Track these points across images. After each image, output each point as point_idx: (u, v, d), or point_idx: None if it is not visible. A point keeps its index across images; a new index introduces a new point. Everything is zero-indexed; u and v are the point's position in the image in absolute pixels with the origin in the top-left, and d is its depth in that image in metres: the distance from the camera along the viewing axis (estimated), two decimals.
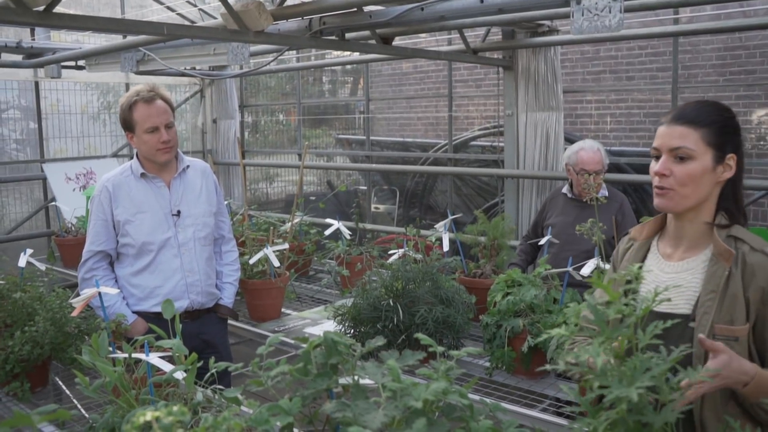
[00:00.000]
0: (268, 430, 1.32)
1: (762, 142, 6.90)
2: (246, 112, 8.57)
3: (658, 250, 1.82)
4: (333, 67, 10.79)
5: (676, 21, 5.11)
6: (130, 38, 4.06)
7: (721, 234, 1.69)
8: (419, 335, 1.66)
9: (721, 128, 1.72)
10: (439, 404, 1.54)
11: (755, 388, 1.56)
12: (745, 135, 6.88)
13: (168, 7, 5.61)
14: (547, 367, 1.35)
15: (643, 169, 5.78)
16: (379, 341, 1.58)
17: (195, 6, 5.67)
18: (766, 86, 6.74)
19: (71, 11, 3.23)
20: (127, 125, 2.98)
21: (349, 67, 10.83)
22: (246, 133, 9.09)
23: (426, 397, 1.31)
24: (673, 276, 1.75)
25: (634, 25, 5.78)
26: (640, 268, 1.27)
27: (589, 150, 3.90)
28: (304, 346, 1.65)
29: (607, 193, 3.91)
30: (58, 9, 2.48)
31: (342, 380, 1.60)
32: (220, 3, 2.99)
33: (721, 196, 1.75)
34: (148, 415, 0.83)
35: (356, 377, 1.55)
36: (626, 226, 3.84)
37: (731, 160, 1.72)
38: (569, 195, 4.05)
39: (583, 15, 2.70)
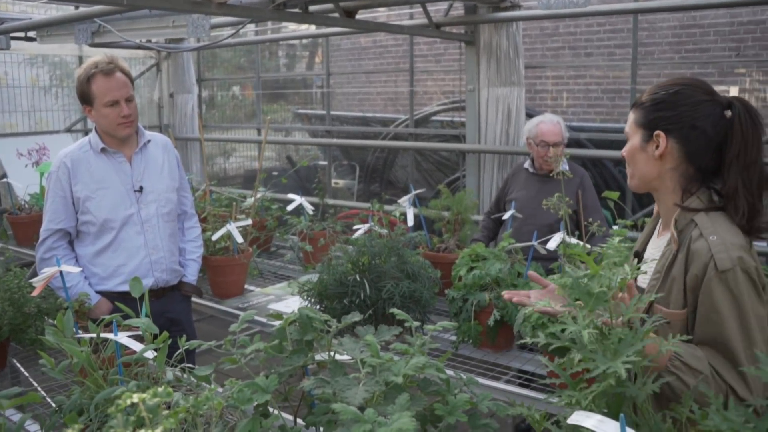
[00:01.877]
0: (246, 409, 1.30)
1: None
2: (203, 86, 8.40)
3: (659, 226, 1.86)
4: (291, 42, 10.64)
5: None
6: (85, 9, 3.93)
7: (686, 216, 1.69)
8: (395, 310, 1.66)
9: (651, 106, 1.73)
10: (415, 379, 1.54)
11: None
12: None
13: None
14: (527, 340, 1.36)
15: (603, 144, 5.86)
16: (356, 317, 1.58)
17: None
18: (720, 64, 6.87)
19: None
20: (85, 98, 2.88)
21: (306, 41, 10.70)
22: (203, 108, 8.93)
23: (406, 371, 1.31)
24: (651, 252, 1.78)
25: (593, 2, 5.81)
26: (633, 241, 1.29)
27: (548, 122, 3.93)
28: (274, 323, 1.64)
29: (567, 168, 3.95)
30: None
31: (318, 357, 1.59)
32: None
33: (684, 176, 1.73)
34: (135, 397, 0.81)
35: (333, 353, 1.54)
36: (587, 200, 3.89)
37: (658, 137, 1.70)
38: (531, 170, 4.09)
39: None
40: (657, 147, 1.70)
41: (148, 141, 3.08)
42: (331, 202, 6.12)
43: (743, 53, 6.54)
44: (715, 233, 1.59)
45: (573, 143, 5.14)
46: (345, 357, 1.53)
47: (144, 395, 0.81)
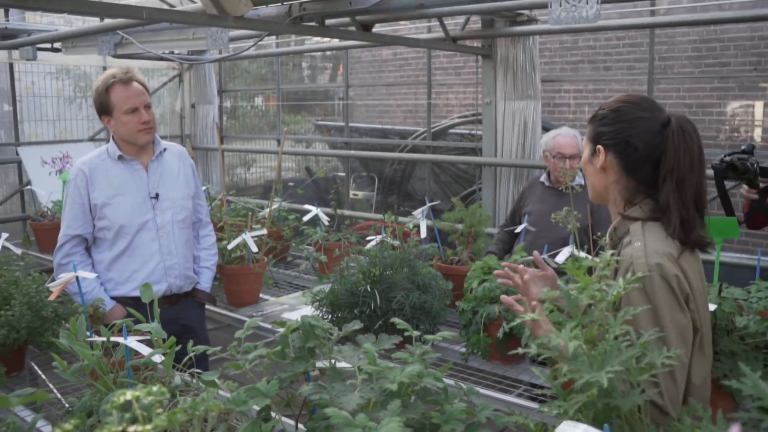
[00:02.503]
0: (245, 411, 1.34)
1: (735, 134, 7.01)
2: (224, 97, 8.52)
3: None
4: (312, 54, 10.74)
5: (653, 13, 5.17)
6: (108, 21, 4.03)
7: (625, 225, 1.76)
8: (395, 320, 1.69)
9: (597, 122, 1.82)
10: (414, 388, 1.57)
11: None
12: (718, 126, 6.98)
13: None
14: (519, 350, 1.39)
15: None
16: (356, 325, 1.61)
17: None
18: (740, 78, 6.84)
19: None
20: (104, 108, 2.95)
21: (328, 53, 10.80)
22: (224, 119, 9.05)
23: (401, 379, 1.34)
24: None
25: (612, 15, 5.83)
26: (613, 254, 1.31)
27: (565, 135, 3.95)
28: (282, 330, 1.67)
29: (583, 182, 3.95)
30: None
31: (319, 364, 1.63)
32: None
33: (626, 189, 1.79)
34: (128, 394, 0.85)
35: (333, 361, 1.57)
36: (601, 215, 3.89)
37: (599, 151, 1.78)
38: (546, 183, 4.10)
39: (561, 6, 2.73)
40: (599, 160, 1.79)
41: (164, 149, 3.15)
42: (347, 213, 6.16)
43: (762, 68, 6.51)
44: (641, 240, 1.66)
45: None
46: (345, 364, 1.56)
47: (138, 393, 0.85)
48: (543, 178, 4.13)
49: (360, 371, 1.38)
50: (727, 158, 2.77)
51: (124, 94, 2.92)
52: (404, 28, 7.92)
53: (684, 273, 1.62)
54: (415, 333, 1.65)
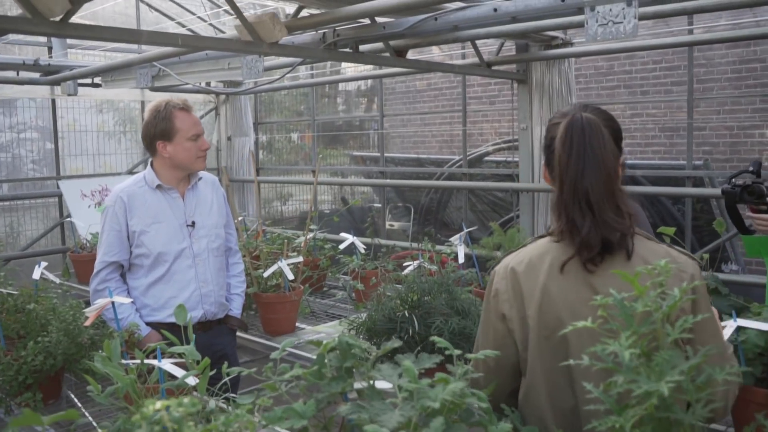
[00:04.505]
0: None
1: None
2: (260, 130, 8.59)
3: None
4: (347, 88, 10.84)
5: (690, 32, 5.08)
6: (145, 53, 4.09)
7: None
8: (435, 338, 1.63)
9: None
10: (457, 410, 1.50)
11: None
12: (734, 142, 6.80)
13: (179, 23, 5.66)
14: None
15: (659, 181, 5.73)
16: (395, 343, 1.55)
17: (205, 21, 5.72)
18: None
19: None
20: (165, 133, 2.97)
21: (363, 87, 10.88)
22: (261, 153, 9.13)
23: (444, 397, 1.28)
24: None
25: (647, 38, 5.75)
26: (667, 262, 1.23)
27: None
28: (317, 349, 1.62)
29: None
30: (75, 19, 2.49)
31: (357, 385, 1.57)
32: (232, 19, 3.00)
33: None
34: (158, 404, 0.80)
35: (372, 381, 1.52)
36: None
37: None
38: None
39: (597, 21, 2.68)
40: None
41: (200, 179, 3.18)
42: (383, 242, 6.12)
43: None
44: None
45: (629, 180, 5.04)
46: (385, 384, 1.50)
47: (167, 402, 0.81)
48: None
49: (400, 389, 1.32)
50: (740, 181, 2.67)
51: (189, 120, 2.98)
52: (437, 55, 7.93)
53: (518, 289, 1.65)
54: (457, 351, 1.59)
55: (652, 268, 1.20)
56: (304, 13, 3.39)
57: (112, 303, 2.41)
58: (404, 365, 1.39)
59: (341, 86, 11.08)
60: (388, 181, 7.39)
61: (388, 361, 1.67)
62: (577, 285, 1.57)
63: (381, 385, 1.52)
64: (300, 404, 1.43)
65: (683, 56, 6.99)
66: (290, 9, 3.65)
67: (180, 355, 2.02)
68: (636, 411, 0.99)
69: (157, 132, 2.99)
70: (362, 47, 3.94)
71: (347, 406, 1.36)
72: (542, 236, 1.72)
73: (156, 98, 6.53)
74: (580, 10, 2.80)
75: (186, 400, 0.89)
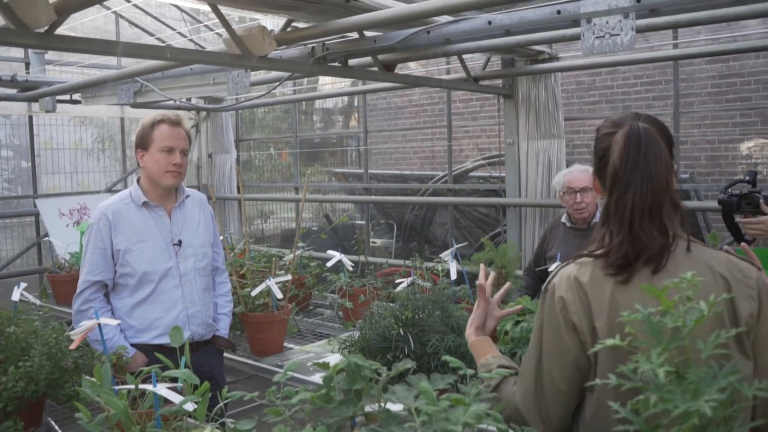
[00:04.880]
0: None
1: (759, 168, 6.89)
2: (241, 147, 8.50)
3: None
4: (325, 106, 10.81)
5: (675, 47, 5.11)
6: (129, 68, 4.00)
7: None
8: (447, 357, 1.56)
9: None
10: None
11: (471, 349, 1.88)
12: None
13: (159, 39, 5.57)
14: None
15: None
16: (408, 363, 1.48)
17: (185, 37, 5.64)
18: (763, 112, 6.75)
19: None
20: (143, 142, 2.91)
21: (340, 105, 10.85)
22: (241, 169, 9.04)
23: (466, 420, 1.20)
24: None
25: (632, 53, 5.78)
26: (693, 275, 1.18)
27: (575, 171, 3.92)
28: (319, 374, 1.54)
29: None
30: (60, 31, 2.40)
31: (367, 407, 1.49)
32: (214, 35, 2.93)
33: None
34: (208, 428, 0.72)
35: (383, 403, 1.44)
36: None
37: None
38: (568, 224, 4.00)
39: (594, 34, 2.65)
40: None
41: (187, 196, 3.09)
42: (372, 259, 6.05)
43: None
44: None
45: None
46: (397, 407, 1.43)
47: (208, 428, 0.73)
48: (564, 218, 4.04)
49: (419, 413, 1.25)
50: (736, 191, 2.67)
51: (167, 132, 2.89)
52: (423, 70, 7.92)
53: (585, 300, 1.53)
54: (470, 371, 1.52)
55: (678, 282, 1.14)
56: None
57: (99, 324, 2.31)
58: (421, 387, 1.32)
59: (320, 104, 11.04)
60: (375, 197, 7.33)
61: (397, 383, 1.60)
62: (644, 295, 1.50)
63: (393, 406, 1.45)
64: (309, 430, 1.35)
65: (664, 71, 7.05)
66: (279, 22, 3.58)
67: (172, 377, 1.93)
68: (674, 431, 0.93)
69: (138, 140, 2.94)
70: (351, 61, 3.89)
71: (363, 430, 1.28)
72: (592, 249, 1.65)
73: (136, 115, 6.45)
74: (575, 23, 2.77)
75: (207, 429, 0.81)
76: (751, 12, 2.97)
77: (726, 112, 6.80)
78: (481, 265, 2.05)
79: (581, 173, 3.89)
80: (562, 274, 1.60)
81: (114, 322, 2.38)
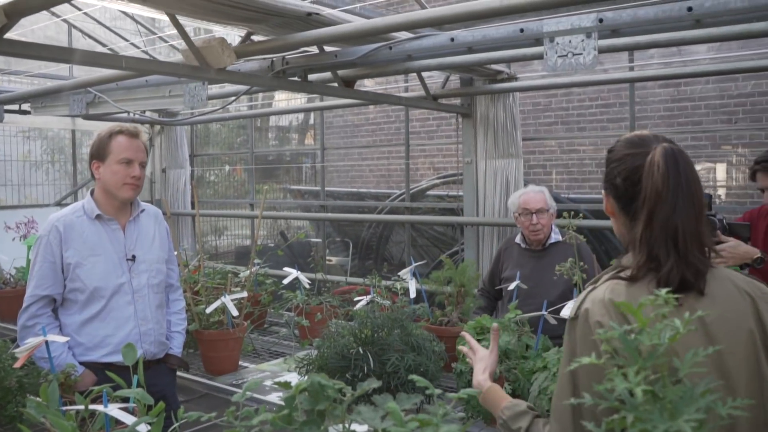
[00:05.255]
0: None
1: (710, 191, 7.05)
2: (196, 162, 8.37)
3: None
4: (280, 123, 10.76)
5: (631, 69, 5.21)
6: (81, 78, 3.89)
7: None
8: (414, 377, 1.52)
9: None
10: None
11: (483, 402, 1.80)
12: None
13: (111, 50, 5.45)
14: (572, 401, 1.22)
15: (601, 215, 5.78)
16: (374, 383, 1.43)
17: (139, 48, 5.53)
18: (713, 136, 6.93)
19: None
20: (99, 153, 2.80)
21: (294, 122, 10.80)
22: (195, 185, 8.89)
23: None
24: None
25: (589, 74, 5.88)
26: (670, 291, 1.16)
27: (530, 192, 3.92)
28: (276, 393, 1.49)
29: (561, 237, 3.87)
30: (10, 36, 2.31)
31: (331, 429, 1.44)
32: (169, 48, 2.87)
33: (627, 230, 1.65)
34: None
35: (349, 424, 1.39)
36: (590, 269, 3.77)
37: (603, 195, 1.67)
38: (522, 245, 3.99)
39: (556, 53, 2.67)
40: (606, 205, 1.66)
41: (142, 211, 3.00)
42: (329, 277, 5.98)
43: (740, 120, 6.61)
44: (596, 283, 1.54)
45: (574, 214, 5.08)
46: (362, 428, 1.38)
47: None
48: (519, 239, 4.03)
49: None
50: None
51: (125, 143, 2.79)
52: (382, 89, 7.92)
53: (623, 323, 1.39)
54: (437, 390, 1.48)
55: (653, 299, 1.13)
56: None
57: (46, 342, 2.21)
58: (389, 407, 1.28)
59: (275, 121, 10.98)
60: (331, 215, 7.27)
61: (362, 403, 1.55)
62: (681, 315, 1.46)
63: (358, 427, 1.40)
64: None
65: (618, 94, 7.19)
66: (237, 36, 3.53)
67: (123, 397, 1.85)
68: None
69: (94, 151, 2.84)
70: (311, 77, 3.85)
71: None
72: (616, 271, 1.55)
73: (88, 127, 6.29)
74: (538, 41, 2.79)
75: None
76: (707, 36, 3.04)
77: (678, 135, 6.96)
78: (494, 324, 2.00)
79: (537, 194, 3.89)
80: (594, 298, 1.48)
81: (62, 339, 2.28)
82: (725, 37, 3.07)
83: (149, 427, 1.54)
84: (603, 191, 1.68)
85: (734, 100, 6.71)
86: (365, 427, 1.39)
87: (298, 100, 8.87)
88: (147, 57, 5.38)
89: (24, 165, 6.92)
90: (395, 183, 9.05)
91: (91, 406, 1.64)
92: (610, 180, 1.62)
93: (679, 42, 3.16)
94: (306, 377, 2.89)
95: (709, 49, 6.15)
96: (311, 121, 10.62)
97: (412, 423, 1.27)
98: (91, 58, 2.70)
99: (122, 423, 1.61)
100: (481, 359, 1.94)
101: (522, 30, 2.77)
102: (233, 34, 3.78)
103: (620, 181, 1.57)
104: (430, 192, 7.63)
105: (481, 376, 1.87)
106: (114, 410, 1.54)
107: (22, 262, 5.13)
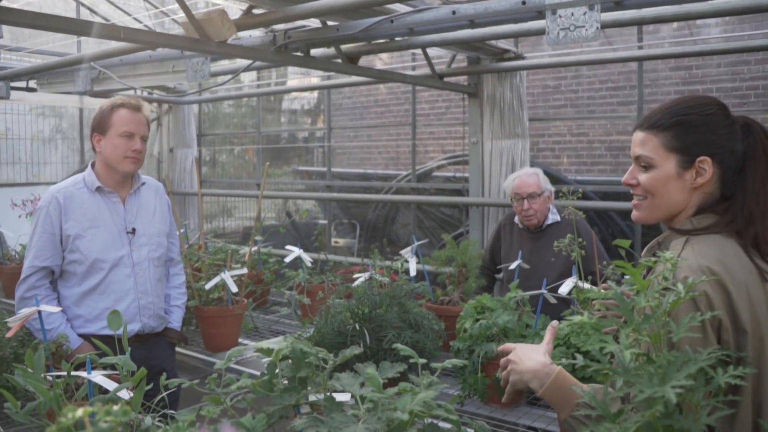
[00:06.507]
0: None
1: None
2: (204, 142, 8.37)
3: None
4: (292, 107, 10.72)
5: (640, 48, 5.13)
6: (85, 52, 3.88)
7: (670, 239, 1.55)
8: (398, 345, 1.50)
9: (687, 129, 1.53)
10: (420, 425, 1.37)
11: (550, 391, 1.49)
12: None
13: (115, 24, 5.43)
14: (563, 361, 1.20)
15: (607, 196, 5.75)
16: (355, 350, 1.42)
17: (140, 22, 5.51)
18: None
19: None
20: (101, 126, 2.81)
21: (306, 106, 10.76)
22: (204, 167, 8.89)
23: (412, 408, 1.14)
24: None
25: (597, 53, 5.81)
26: (671, 257, 1.13)
27: (523, 175, 3.86)
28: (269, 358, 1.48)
29: (558, 218, 3.83)
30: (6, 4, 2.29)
31: (312, 397, 1.42)
32: (178, 28, 2.84)
33: (704, 202, 1.55)
34: (80, 411, 0.65)
35: (329, 392, 1.37)
36: (585, 247, 3.72)
37: (704, 163, 1.51)
38: (520, 225, 3.96)
39: (558, 26, 2.62)
40: (697, 174, 1.52)
41: (143, 184, 3.00)
42: (331, 257, 5.97)
43: (747, 107, 6.52)
44: (680, 255, 1.42)
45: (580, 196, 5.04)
46: (343, 396, 1.36)
47: (90, 409, 0.66)
48: (517, 219, 4.00)
49: (363, 400, 1.18)
50: None
51: (127, 117, 2.80)
52: (388, 68, 7.86)
53: (725, 293, 1.33)
54: (422, 360, 1.46)
55: (656, 260, 1.09)
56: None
57: (39, 312, 2.20)
58: (368, 373, 1.26)
59: (287, 104, 10.93)
60: (336, 194, 7.25)
61: (346, 372, 1.53)
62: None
63: (339, 395, 1.38)
64: (249, 418, 1.28)
65: (629, 77, 7.10)
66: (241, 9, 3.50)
67: (113, 367, 1.84)
68: (638, 418, 0.88)
69: (95, 124, 2.84)
70: (314, 52, 3.82)
71: (303, 419, 1.21)
72: (686, 233, 1.51)
73: (95, 105, 6.28)
74: (540, 14, 2.74)
75: (115, 407, 0.74)
76: (714, 9, 2.97)
77: None
78: (554, 322, 1.82)
79: (530, 177, 3.83)
80: (692, 265, 1.36)
81: (55, 309, 2.27)
82: (733, 11, 2.99)
83: (131, 394, 1.53)
84: (686, 157, 1.54)
85: (746, 83, 6.61)
86: (348, 396, 1.37)
87: (309, 80, 8.83)
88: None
89: (32, 143, 6.93)
90: (403, 165, 9.01)
91: (74, 373, 1.63)
92: (724, 147, 1.54)
93: (684, 16, 3.08)
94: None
95: (720, 29, 6.06)
96: (322, 106, 10.59)
97: (390, 390, 1.25)
98: (90, 28, 2.68)
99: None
100: (531, 347, 1.66)
101: (524, 2, 2.72)
102: (235, 8, 3.74)
103: (739, 150, 1.53)
104: (436, 173, 7.59)
105: (543, 358, 1.56)
106: (97, 377, 1.53)
107: (27, 239, 5.14)
